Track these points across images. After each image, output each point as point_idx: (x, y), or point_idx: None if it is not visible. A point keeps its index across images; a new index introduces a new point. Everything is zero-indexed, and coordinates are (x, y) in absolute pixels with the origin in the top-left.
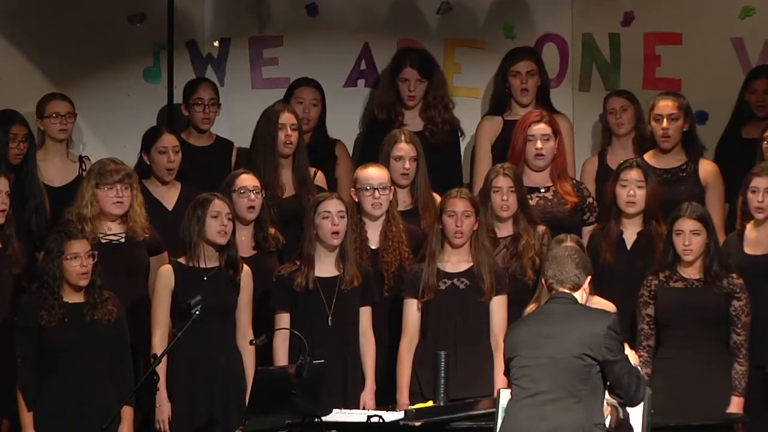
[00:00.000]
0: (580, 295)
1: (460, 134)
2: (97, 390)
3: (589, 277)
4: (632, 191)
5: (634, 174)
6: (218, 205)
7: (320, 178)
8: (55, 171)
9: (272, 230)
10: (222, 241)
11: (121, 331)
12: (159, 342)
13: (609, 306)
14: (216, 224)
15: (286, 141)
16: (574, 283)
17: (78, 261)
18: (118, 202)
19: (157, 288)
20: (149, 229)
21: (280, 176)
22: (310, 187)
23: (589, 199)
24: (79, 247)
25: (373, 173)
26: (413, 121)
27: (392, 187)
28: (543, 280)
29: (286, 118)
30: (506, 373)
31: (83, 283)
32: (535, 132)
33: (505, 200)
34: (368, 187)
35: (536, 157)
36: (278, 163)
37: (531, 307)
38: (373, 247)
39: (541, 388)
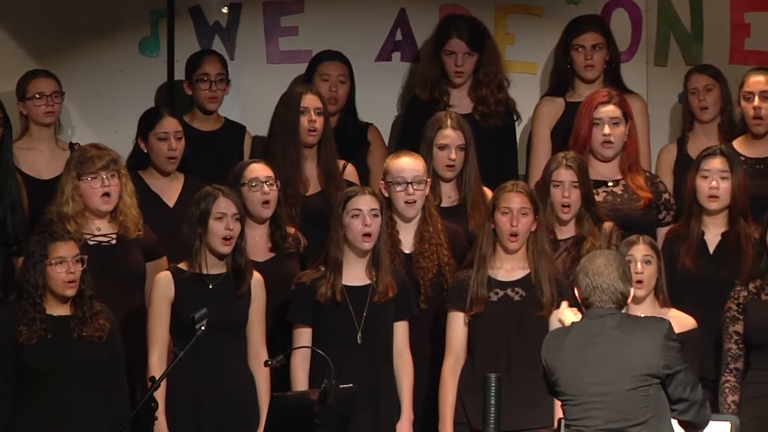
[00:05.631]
0: (625, 311)
1: (515, 117)
2: (86, 419)
3: (632, 290)
4: (715, 183)
5: (716, 163)
6: (223, 204)
7: (350, 172)
8: (42, 161)
9: (291, 230)
10: (225, 250)
11: (114, 351)
12: (157, 363)
13: (688, 321)
14: (220, 228)
15: (310, 128)
16: (619, 302)
17: (64, 267)
18: (104, 195)
19: (153, 299)
20: (144, 227)
21: (303, 170)
22: (338, 183)
23: (666, 195)
24: (65, 250)
25: (407, 164)
26: (461, 101)
27: (429, 181)
28: (576, 293)
29: (309, 100)
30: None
31: (70, 292)
32: (603, 115)
33: (566, 197)
34: (400, 181)
35: (603, 144)
36: (301, 155)
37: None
38: (406, 251)
39: (597, 423)
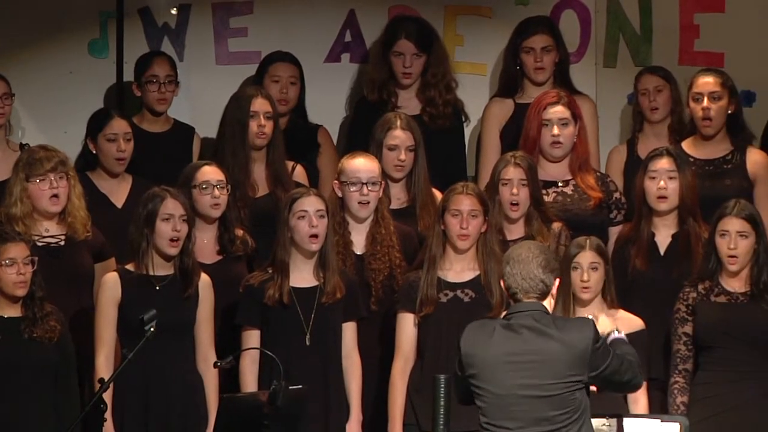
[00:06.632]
0: (549, 303)
1: (464, 119)
2: (36, 421)
3: (557, 281)
4: (663, 183)
5: (664, 163)
6: (171, 206)
7: (300, 174)
8: None
9: (240, 232)
10: (172, 251)
11: (65, 352)
12: (104, 363)
13: (636, 321)
14: (167, 229)
15: (259, 132)
16: (542, 291)
17: (14, 268)
18: (53, 197)
19: (100, 299)
20: (92, 229)
21: (251, 172)
22: (287, 185)
23: (616, 194)
24: (15, 251)
25: (362, 165)
26: (409, 102)
27: (383, 182)
28: (503, 287)
29: (259, 104)
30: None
31: (20, 293)
32: (552, 116)
33: (515, 194)
34: (355, 182)
35: (553, 145)
36: (249, 157)
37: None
38: (358, 252)
39: (521, 425)
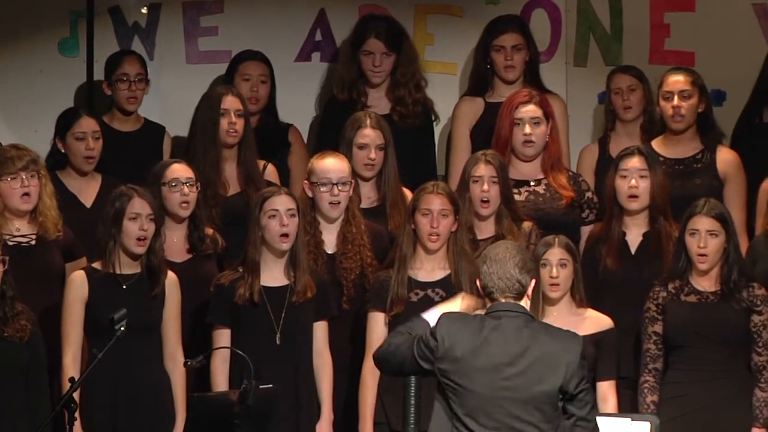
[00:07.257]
0: (526, 304)
1: (433, 118)
2: (8, 420)
3: (533, 281)
4: (634, 182)
5: (635, 162)
6: (138, 205)
7: (271, 173)
8: None
9: (210, 231)
10: (139, 250)
11: (36, 352)
12: (71, 363)
13: (605, 321)
14: (134, 228)
15: (230, 130)
16: (518, 291)
17: None
18: (24, 195)
19: (67, 298)
20: (63, 228)
21: (222, 171)
22: (258, 183)
23: (588, 194)
24: None
25: (332, 165)
26: (379, 101)
27: (353, 182)
28: (479, 286)
29: (230, 102)
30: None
31: None
32: (523, 115)
33: (486, 191)
34: (326, 182)
35: (525, 144)
36: (220, 156)
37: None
38: (329, 252)
39: (498, 426)
